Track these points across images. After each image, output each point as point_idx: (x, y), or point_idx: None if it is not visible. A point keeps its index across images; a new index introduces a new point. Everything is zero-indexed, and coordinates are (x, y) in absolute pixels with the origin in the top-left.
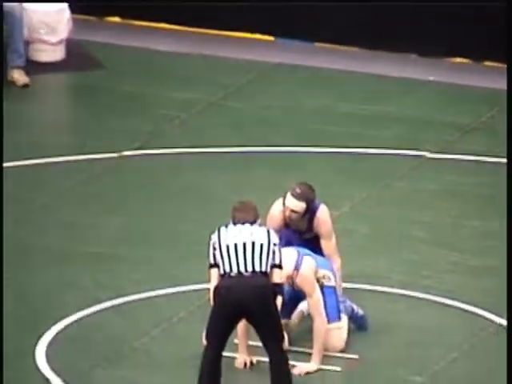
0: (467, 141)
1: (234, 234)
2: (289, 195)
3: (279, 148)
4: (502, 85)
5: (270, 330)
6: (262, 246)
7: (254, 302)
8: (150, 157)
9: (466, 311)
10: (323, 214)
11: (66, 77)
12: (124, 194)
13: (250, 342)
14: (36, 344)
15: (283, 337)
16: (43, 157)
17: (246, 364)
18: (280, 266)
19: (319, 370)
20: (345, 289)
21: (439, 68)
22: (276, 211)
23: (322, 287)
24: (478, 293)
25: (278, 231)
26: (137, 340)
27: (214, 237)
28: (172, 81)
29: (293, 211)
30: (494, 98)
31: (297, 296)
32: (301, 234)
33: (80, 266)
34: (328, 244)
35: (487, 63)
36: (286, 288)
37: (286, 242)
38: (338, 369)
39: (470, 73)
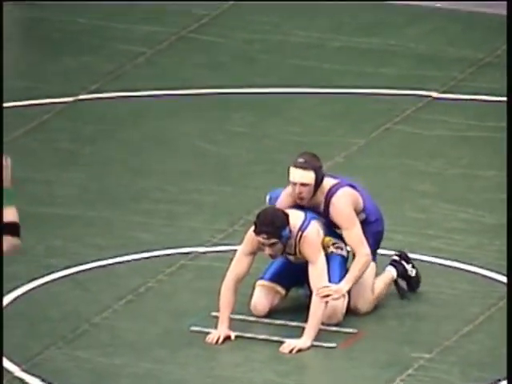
0: (480, 78)
1: None
2: (292, 169)
3: (261, 89)
4: None
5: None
6: None
7: None
8: (110, 101)
9: (482, 276)
10: (340, 201)
11: (11, 8)
12: (80, 145)
13: (235, 316)
14: None
15: None
16: None
17: (218, 339)
18: None
19: (312, 346)
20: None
21: None
22: (284, 200)
23: (328, 256)
24: (494, 255)
25: None
26: (97, 315)
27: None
28: (135, 11)
29: (302, 185)
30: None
31: (293, 271)
32: (320, 215)
33: (29, 229)
34: (349, 235)
35: None
36: (282, 260)
37: None
38: (334, 345)
39: None
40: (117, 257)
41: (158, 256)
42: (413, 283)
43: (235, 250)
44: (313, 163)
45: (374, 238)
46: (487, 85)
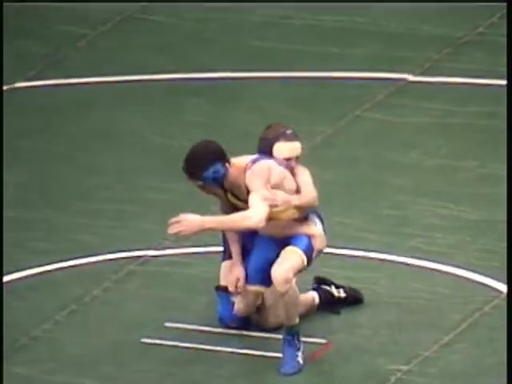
0: (460, 59)
1: None
2: (284, 144)
3: (217, 74)
4: None
5: None
6: None
7: None
8: (50, 89)
9: (464, 279)
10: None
11: None
12: (18, 140)
13: (198, 327)
14: None
15: None
16: None
17: (237, 283)
18: None
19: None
20: None
21: None
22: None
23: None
24: (477, 254)
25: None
26: (37, 327)
27: None
28: None
29: (297, 158)
30: (493, 2)
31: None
32: None
33: None
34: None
35: None
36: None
37: None
38: (300, 357)
39: None
40: (59, 262)
41: (104, 261)
42: (351, 301)
43: (189, 253)
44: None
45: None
46: (467, 66)
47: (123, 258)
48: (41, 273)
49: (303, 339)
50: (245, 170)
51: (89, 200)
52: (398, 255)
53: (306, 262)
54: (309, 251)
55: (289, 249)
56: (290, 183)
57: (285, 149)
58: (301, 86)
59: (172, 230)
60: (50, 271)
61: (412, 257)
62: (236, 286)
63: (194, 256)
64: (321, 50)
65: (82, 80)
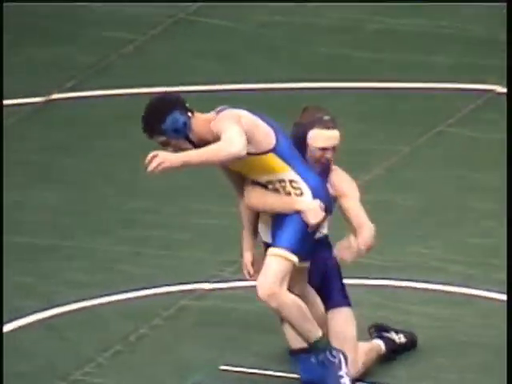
0: None
1: None
2: (321, 132)
3: (282, 84)
4: None
5: None
6: None
7: None
8: (90, 101)
9: None
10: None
11: None
12: (52, 157)
13: None
14: None
15: None
16: None
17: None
18: None
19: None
20: (379, 286)
21: None
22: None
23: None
24: None
25: None
26: (77, 370)
27: None
28: None
29: (335, 148)
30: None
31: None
32: None
33: None
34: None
35: None
36: None
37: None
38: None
39: None
40: (101, 296)
41: (152, 295)
42: (409, 345)
43: (248, 287)
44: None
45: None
46: None
47: (174, 291)
48: (81, 308)
49: None
50: (211, 121)
51: (133, 225)
52: (484, 289)
53: (293, 258)
54: (295, 242)
55: (270, 252)
56: (261, 133)
57: (321, 137)
58: (376, 98)
59: (151, 167)
60: (91, 306)
61: (500, 292)
62: (248, 273)
63: (254, 289)
64: (399, 58)
65: (127, 91)
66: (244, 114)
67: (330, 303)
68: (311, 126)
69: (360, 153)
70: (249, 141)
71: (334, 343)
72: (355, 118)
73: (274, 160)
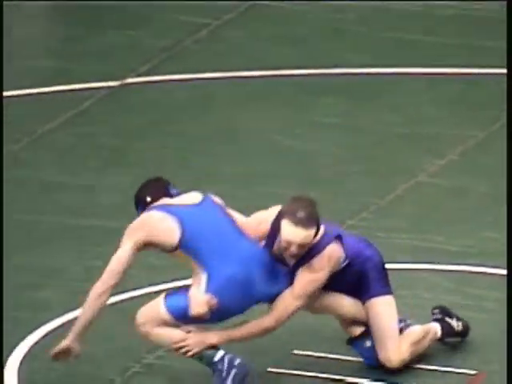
0: None
1: None
2: (288, 224)
3: (354, 69)
4: None
5: None
6: None
7: None
8: (164, 85)
9: None
10: (335, 251)
11: None
12: (127, 141)
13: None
14: None
15: None
16: (16, 88)
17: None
18: None
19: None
20: (452, 271)
21: None
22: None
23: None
24: None
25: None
26: (151, 353)
27: None
28: None
29: (301, 246)
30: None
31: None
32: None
33: (65, 245)
34: (302, 279)
35: None
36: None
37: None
38: None
39: None
40: (174, 281)
41: None
42: (464, 335)
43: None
44: (315, 216)
45: (368, 275)
46: None
47: None
48: (153, 292)
49: (452, 370)
50: None
51: None
52: None
53: (165, 317)
54: (177, 309)
55: (165, 293)
56: (161, 235)
57: (286, 230)
58: (449, 84)
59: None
60: (163, 290)
61: None
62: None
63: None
64: (472, 43)
65: (202, 75)
66: (146, 222)
67: (367, 294)
68: (283, 215)
69: (433, 138)
70: (153, 244)
71: (374, 334)
72: (427, 103)
73: (183, 255)
